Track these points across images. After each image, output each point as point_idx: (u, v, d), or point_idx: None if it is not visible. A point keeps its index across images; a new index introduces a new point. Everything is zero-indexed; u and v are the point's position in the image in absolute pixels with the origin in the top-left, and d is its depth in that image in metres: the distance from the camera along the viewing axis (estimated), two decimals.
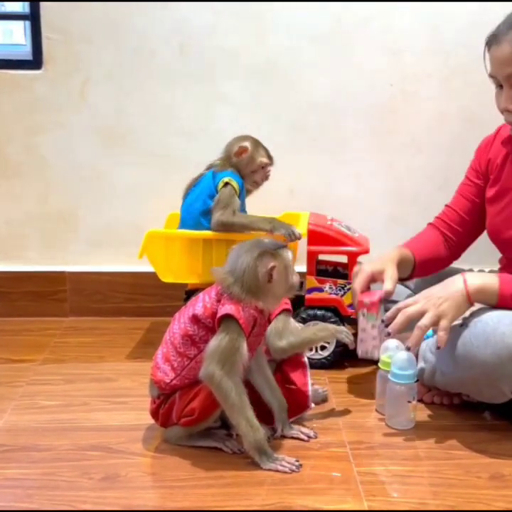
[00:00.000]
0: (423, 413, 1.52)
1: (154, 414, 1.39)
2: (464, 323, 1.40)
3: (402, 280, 1.70)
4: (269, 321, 1.48)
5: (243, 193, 1.83)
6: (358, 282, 1.57)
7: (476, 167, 1.71)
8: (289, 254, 1.35)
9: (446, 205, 1.78)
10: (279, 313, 1.49)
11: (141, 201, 2.10)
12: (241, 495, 1.21)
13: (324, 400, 1.58)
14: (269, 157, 1.85)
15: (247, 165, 1.83)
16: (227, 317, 1.27)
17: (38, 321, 2.07)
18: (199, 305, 1.33)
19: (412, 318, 1.39)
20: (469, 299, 1.39)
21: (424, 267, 1.69)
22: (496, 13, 1.99)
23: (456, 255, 1.78)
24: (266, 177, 1.88)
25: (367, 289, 1.58)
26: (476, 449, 1.37)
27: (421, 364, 1.53)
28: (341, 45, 2.05)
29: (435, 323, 1.37)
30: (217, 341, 1.27)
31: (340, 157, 2.12)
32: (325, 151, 2.11)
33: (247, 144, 1.82)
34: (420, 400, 1.54)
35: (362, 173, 2.13)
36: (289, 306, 1.52)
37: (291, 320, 1.52)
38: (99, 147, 2.08)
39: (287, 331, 1.47)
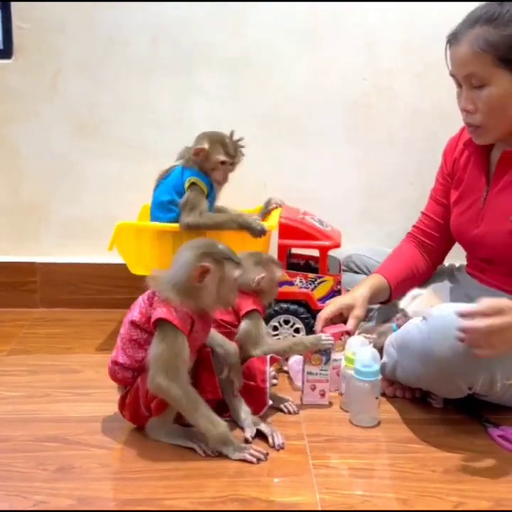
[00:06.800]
0: (384, 407, 1.52)
1: (121, 406, 1.37)
2: (425, 318, 1.40)
3: (382, 303, 1.75)
4: (238, 320, 1.48)
5: (213, 191, 1.81)
6: (325, 313, 1.62)
7: (444, 169, 1.71)
8: (234, 272, 1.32)
9: (422, 213, 1.77)
10: (249, 313, 1.48)
11: (114, 193, 2.09)
12: (195, 487, 1.21)
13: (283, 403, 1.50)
14: (228, 154, 1.79)
15: (204, 163, 1.79)
16: (162, 321, 1.25)
17: (8, 311, 2.07)
18: (136, 310, 1.34)
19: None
20: None
21: (402, 288, 1.68)
22: (469, 8, 2.00)
23: (437, 262, 1.78)
24: (226, 176, 1.82)
25: (333, 321, 1.63)
26: (433, 443, 1.37)
27: (384, 358, 1.54)
28: (316, 39, 2.04)
29: None
30: (156, 349, 1.25)
31: (314, 151, 2.12)
32: (299, 144, 2.11)
33: (204, 144, 1.76)
34: (383, 394, 1.54)
35: (335, 167, 2.13)
36: (258, 307, 1.51)
37: (262, 323, 1.51)
38: (71, 138, 2.07)
39: (261, 337, 1.47)
